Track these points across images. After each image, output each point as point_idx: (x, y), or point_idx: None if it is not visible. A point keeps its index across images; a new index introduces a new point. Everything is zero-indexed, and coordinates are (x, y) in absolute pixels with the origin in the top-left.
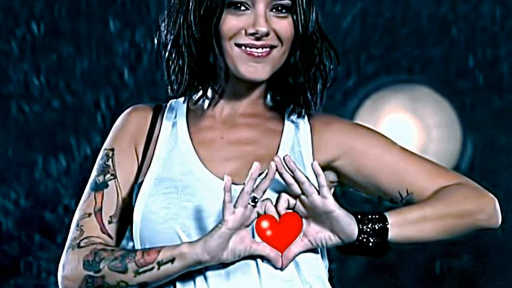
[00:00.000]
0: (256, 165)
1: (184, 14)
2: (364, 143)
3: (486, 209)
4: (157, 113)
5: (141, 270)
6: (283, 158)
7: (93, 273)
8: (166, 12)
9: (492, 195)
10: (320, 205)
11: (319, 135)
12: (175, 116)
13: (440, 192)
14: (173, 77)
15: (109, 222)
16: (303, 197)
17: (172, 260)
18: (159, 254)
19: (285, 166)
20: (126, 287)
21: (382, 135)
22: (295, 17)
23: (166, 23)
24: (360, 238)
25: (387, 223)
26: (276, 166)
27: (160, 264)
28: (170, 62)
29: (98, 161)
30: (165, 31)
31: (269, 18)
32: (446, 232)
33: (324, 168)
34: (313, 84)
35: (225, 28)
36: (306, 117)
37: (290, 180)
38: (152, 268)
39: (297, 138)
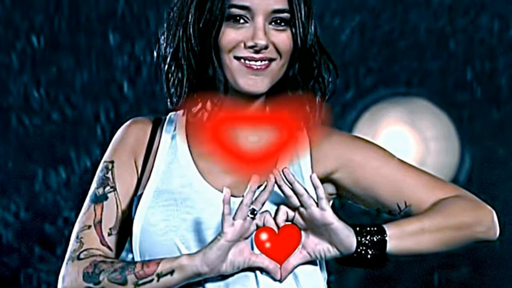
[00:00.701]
0: (255, 177)
1: (183, 27)
2: (363, 155)
3: (484, 221)
4: (157, 125)
5: (140, 282)
6: (282, 171)
7: (92, 285)
8: (165, 25)
9: (490, 207)
10: (318, 217)
11: (317, 148)
12: (175, 129)
13: (438, 205)
14: (172, 90)
15: (109, 234)
16: (301, 209)
17: (171, 272)
18: (158, 266)
19: (284, 179)
20: None
21: (380, 147)
22: (293, 30)
23: (165, 36)
24: (359, 250)
25: (385, 235)
26: (275, 178)
27: (159, 276)
28: (170, 75)
29: (98, 173)
30: (165, 44)
31: (268, 31)
32: (444, 244)
33: (323, 180)
34: (311, 96)
35: (224, 41)
36: (305, 130)
37: (289, 192)
38: (151, 280)
39: (296, 150)
